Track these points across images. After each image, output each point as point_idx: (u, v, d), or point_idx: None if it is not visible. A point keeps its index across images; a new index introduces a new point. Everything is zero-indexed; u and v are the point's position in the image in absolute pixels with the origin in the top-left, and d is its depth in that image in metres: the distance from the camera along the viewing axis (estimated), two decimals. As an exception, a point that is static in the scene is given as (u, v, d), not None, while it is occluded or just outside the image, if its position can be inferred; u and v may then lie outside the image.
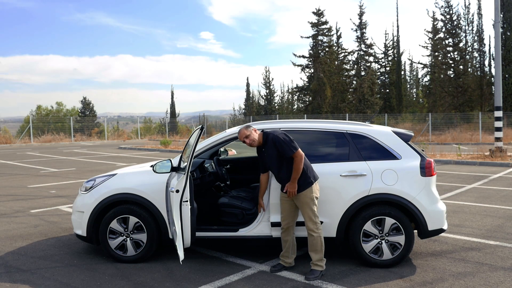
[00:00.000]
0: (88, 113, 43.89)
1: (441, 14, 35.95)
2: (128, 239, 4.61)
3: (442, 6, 35.85)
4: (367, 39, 40.26)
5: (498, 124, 14.85)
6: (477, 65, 36.99)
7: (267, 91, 46.16)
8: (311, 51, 40.17)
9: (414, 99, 51.02)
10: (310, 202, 4.16)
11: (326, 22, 39.70)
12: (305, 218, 4.20)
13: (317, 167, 4.43)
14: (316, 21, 39.62)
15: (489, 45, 36.95)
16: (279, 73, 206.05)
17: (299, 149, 4.12)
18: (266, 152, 4.27)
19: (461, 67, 35.33)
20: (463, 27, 36.06)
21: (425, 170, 4.45)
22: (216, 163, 5.55)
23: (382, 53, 42.52)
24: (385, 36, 42.33)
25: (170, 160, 4.47)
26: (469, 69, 36.13)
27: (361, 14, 39.93)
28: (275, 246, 4.62)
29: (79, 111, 44.88)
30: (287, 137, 4.17)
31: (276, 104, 47.21)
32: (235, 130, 4.70)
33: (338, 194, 4.41)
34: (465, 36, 36.14)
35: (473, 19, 36.31)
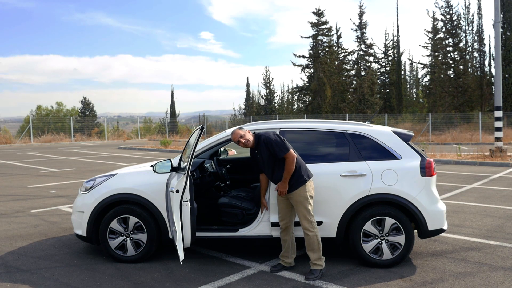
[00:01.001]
0: (88, 113, 43.91)
1: (441, 14, 35.97)
2: (128, 239, 4.61)
3: (442, 6, 35.88)
4: (367, 39, 40.30)
5: (498, 124, 14.86)
6: (477, 65, 36.99)
7: (267, 91, 46.17)
8: (311, 51, 40.18)
9: (414, 99, 51.01)
10: (304, 201, 4.16)
11: (326, 22, 39.71)
12: (300, 217, 4.21)
13: (317, 167, 4.44)
14: (316, 21, 39.63)
15: (489, 45, 37.01)
16: (279, 73, 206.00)
17: (291, 150, 4.11)
18: (259, 154, 4.28)
19: (461, 67, 35.32)
20: (463, 27, 36.08)
21: (425, 170, 4.45)
22: (216, 163, 5.55)
23: (382, 53, 42.56)
24: (385, 36, 42.41)
25: (170, 160, 4.47)
26: (469, 69, 36.12)
27: (361, 14, 39.94)
28: (275, 246, 4.62)
29: (79, 111, 44.92)
30: (279, 138, 4.16)
31: (276, 104, 47.21)
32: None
33: (338, 194, 4.41)
34: (465, 36, 36.16)
35: (473, 19, 36.34)
